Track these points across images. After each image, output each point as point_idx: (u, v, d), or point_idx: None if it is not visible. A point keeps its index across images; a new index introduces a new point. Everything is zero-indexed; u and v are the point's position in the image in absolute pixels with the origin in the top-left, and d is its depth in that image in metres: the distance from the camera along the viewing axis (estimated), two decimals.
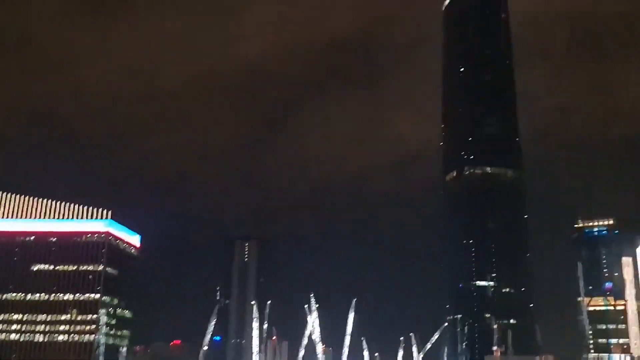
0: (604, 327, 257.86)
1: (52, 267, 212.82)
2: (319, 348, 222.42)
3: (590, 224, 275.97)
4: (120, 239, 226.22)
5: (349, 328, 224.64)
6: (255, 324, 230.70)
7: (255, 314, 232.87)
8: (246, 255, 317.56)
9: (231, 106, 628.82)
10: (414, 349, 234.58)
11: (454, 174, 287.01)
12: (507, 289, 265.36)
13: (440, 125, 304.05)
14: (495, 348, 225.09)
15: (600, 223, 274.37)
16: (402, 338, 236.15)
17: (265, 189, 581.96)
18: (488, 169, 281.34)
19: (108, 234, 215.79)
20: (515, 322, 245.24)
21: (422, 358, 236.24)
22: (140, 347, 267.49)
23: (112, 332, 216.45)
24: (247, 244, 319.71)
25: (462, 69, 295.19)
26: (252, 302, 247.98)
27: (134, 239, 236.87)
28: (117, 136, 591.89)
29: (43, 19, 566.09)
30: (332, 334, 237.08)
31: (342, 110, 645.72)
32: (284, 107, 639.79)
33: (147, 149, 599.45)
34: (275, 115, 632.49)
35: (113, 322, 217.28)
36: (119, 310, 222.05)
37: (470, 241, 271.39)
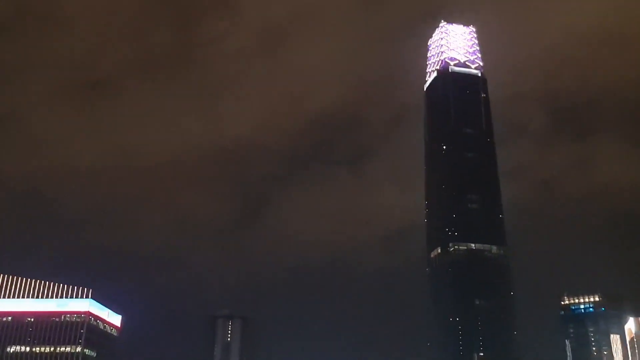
0: None
1: (28, 348, 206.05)
2: None
3: (576, 300, 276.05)
4: (101, 319, 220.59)
5: None
6: None
7: None
8: (229, 334, 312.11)
9: (215, 183, 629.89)
10: None
11: (439, 250, 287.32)
12: None
13: (424, 202, 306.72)
14: None
15: (586, 300, 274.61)
16: None
17: (249, 266, 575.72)
18: (472, 246, 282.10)
19: (88, 313, 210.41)
20: None
21: None
22: None
23: None
24: (230, 323, 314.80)
25: (444, 147, 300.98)
26: None
27: (115, 319, 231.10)
28: (100, 213, 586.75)
29: (28, 98, 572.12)
30: None
31: (325, 187, 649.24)
32: (269, 183, 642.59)
33: (130, 226, 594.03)
34: (260, 190, 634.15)
35: None
36: None
37: (457, 318, 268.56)
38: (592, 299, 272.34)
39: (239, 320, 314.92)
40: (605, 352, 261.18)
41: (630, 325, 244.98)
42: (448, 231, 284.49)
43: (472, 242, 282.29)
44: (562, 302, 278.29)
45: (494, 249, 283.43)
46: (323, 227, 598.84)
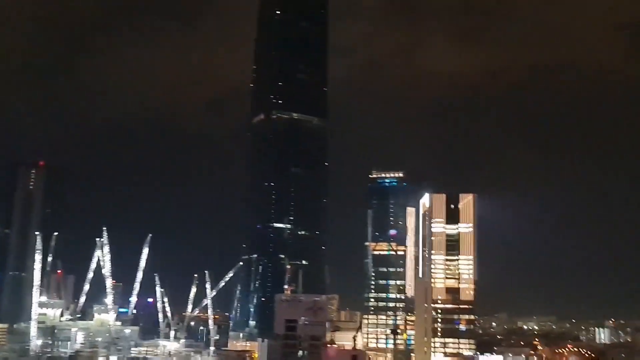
0: (385, 269, 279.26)
1: None
2: (109, 283, 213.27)
3: (383, 175, 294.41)
4: None
5: (142, 263, 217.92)
6: (38, 256, 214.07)
7: (39, 245, 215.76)
8: (32, 183, 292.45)
9: (31, 24, 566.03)
10: (207, 286, 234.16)
11: (262, 116, 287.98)
12: (303, 232, 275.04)
13: (252, 67, 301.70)
14: (286, 287, 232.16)
15: (392, 175, 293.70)
16: (195, 275, 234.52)
17: (64, 115, 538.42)
18: (295, 115, 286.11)
19: None
20: (307, 263, 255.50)
21: (215, 295, 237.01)
22: None
23: None
24: (33, 171, 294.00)
25: (277, 12, 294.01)
26: (36, 233, 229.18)
27: None
28: None
29: None
30: (123, 269, 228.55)
31: (154, 41, 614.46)
32: (92, 29, 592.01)
33: None
34: (81, 36, 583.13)
35: None
36: None
37: (272, 184, 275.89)
38: (396, 175, 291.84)
39: (44, 168, 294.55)
40: (401, 223, 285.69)
41: (425, 199, 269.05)
42: (273, 98, 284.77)
43: (295, 112, 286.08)
44: (370, 176, 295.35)
45: (315, 120, 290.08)
46: (149, 84, 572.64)
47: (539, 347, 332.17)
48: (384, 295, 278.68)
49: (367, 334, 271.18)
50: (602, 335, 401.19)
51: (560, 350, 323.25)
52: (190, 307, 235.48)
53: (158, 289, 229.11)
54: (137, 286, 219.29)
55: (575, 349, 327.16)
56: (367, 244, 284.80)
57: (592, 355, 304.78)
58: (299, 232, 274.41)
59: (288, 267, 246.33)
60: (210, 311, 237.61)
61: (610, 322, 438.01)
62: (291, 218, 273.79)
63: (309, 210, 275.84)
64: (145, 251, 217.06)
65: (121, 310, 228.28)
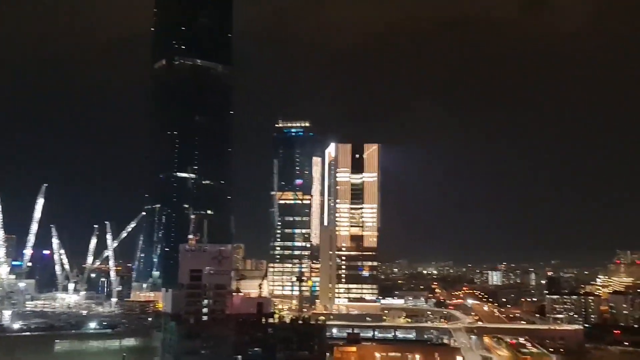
0: (291, 218, 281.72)
1: None
2: (0, 235, 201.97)
3: (289, 124, 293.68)
4: None
5: (37, 215, 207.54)
6: None
7: None
8: None
9: None
10: (109, 236, 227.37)
11: (164, 62, 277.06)
12: (207, 181, 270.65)
13: (154, 9, 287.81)
14: (190, 237, 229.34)
15: (298, 125, 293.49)
16: (96, 226, 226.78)
17: None
18: (198, 62, 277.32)
19: None
20: (212, 212, 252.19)
21: (117, 246, 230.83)
22: None
23: None
24: None
25: None
26: None
27: None
28: None
29: None
30: (18, 221, 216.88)
31: None
32: None
33: None
34: None
35: None
36: None
37: (175, 132, 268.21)
38: (302, 125, 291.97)
39: None
40: (307, 172, 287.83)
41: (330, 149, 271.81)
42: (175, 44, 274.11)
43: (199, 58, 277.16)
44: (277, 125, 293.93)
45: (220, 67, 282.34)
46: (43, 27, 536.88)
47: (437, 290, 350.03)
48: (289, 243, 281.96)
49: (273, 281, 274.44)
50: (495, 278, 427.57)
51: (456, 292, 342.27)
52: (90, 258, 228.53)
53: (55, 241, 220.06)
54: (31, 238, 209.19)
55: (470, 291, 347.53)
56: (272, 193, 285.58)
57: (485, 295, 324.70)
58: (204, 182, 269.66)
59: (192, 217, 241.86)
60: (111, 262, 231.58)
61: (502, 265, 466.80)
62: (195, 168, 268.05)
63: (214, 159, 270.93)
64: (40, 202, 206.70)
65: (15, 263, 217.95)
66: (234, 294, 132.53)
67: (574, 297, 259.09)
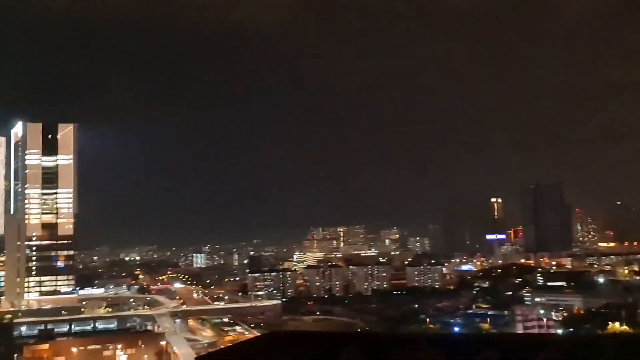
0: None
1: None
2: None
3: None
4: None
5: None
6: None
7: None
8: None
9: None
10: None
11: None
12: None
13: None
14: None
15: None
16: None
17: None
18: None
19: None
20: None
21: None
22: None
23: None
24: None
25: None
26: None
27: None
28: None
29: None
30: None
31: None
32: None
33: None
34: None
35: None
36: None
37: None
38: None
39: None
40: None
41: (17, 128, 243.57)
42: None
43: None
44: None
45: None
46: None
47: (140, 276, 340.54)
48: None
49: None
50: (199, 260, 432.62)
51: (160, 277, 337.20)
52: None
53: None
54: None
55: (175, 275, 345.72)
56: None
57: (189, 278, 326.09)
58: None
59: None
60: None
61: (207, 248, 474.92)
62: None
63: None
64: None
65: None
66: None
67: (273, 273, 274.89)
